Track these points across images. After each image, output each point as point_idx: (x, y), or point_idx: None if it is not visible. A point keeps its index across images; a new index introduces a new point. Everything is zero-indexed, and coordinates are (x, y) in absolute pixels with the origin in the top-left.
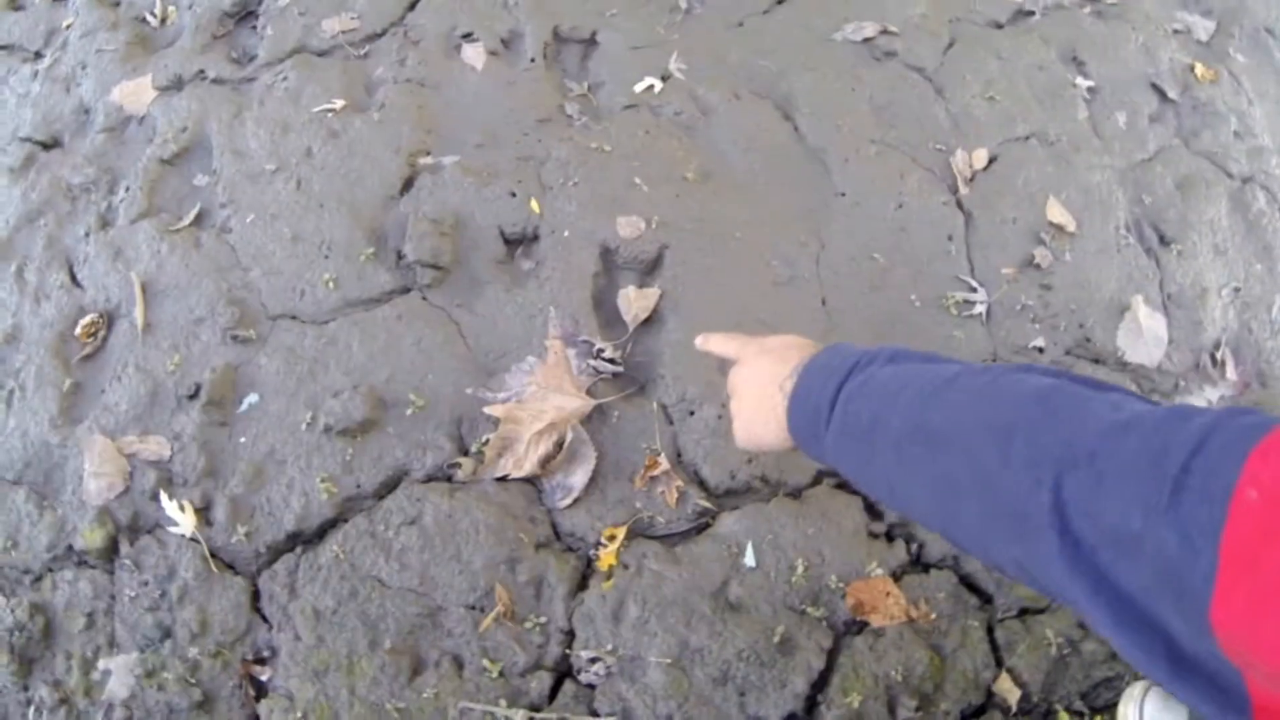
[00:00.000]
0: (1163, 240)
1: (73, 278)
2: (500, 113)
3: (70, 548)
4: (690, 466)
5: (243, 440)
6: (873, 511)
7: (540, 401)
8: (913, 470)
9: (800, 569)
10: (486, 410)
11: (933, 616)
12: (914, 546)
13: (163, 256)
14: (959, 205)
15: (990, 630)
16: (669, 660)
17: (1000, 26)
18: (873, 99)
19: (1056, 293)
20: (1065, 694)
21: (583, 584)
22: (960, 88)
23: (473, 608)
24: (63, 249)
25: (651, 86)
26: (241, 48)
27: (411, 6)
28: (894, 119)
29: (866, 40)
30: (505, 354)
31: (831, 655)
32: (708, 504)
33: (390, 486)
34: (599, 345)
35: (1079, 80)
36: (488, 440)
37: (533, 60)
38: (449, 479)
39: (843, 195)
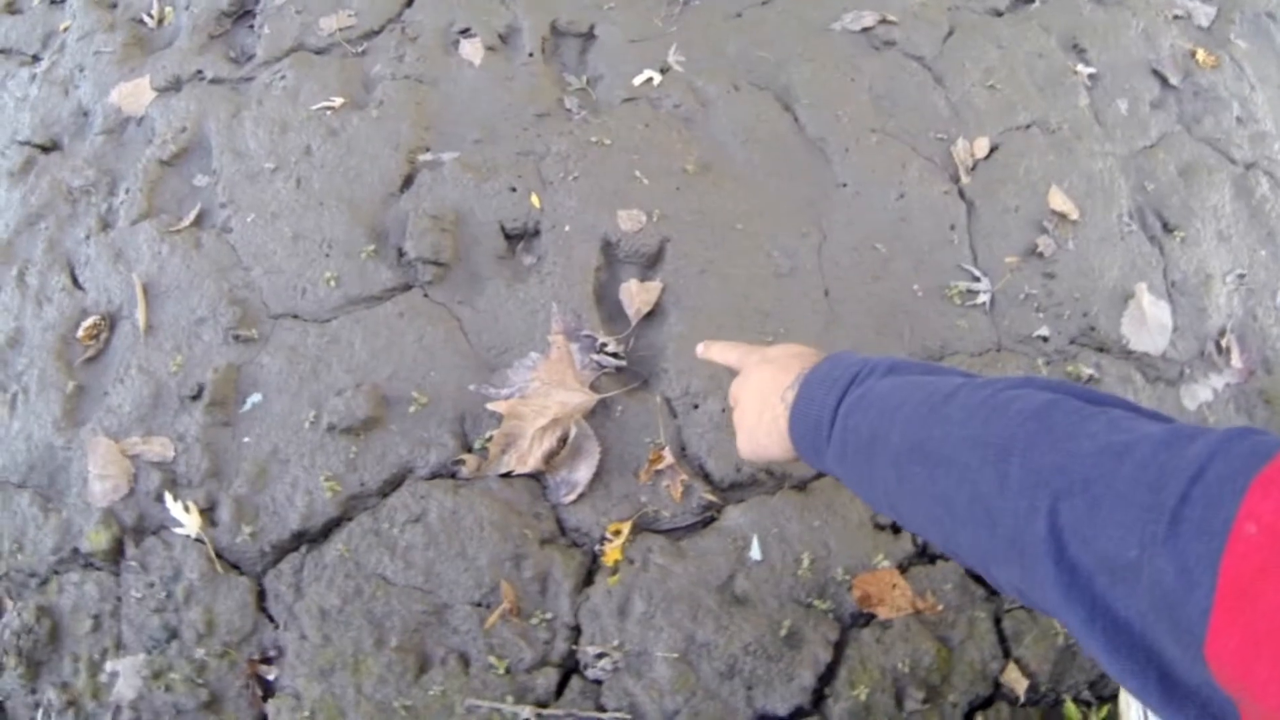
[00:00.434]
0: (1166, 227)
1: (74, 280)
2: (499, 108)
3: (76, 550)
4: (695, 460)
5: (246, 440)
6: None
7: (543, 397)
8: (912, 488)
9: (806, 562)
10: (490, 406)
11: (939, 608)
12: (920, 538)
13: (164, 257)
14: (961, 194)
15: (998, 621)
16: (675, 655)
17: (1000, 14)
18: (872, 88)
19: (1060, 281)
20: (1073, 684)
21: (588, 579)
22: (960, 76)
23: (478, 605)
24: (64, 251)
25: (650, 79)
26: (239, 47)
27: (409, 3)
28: (894, 108)
29: (865, 29)
30: (508, 350)
31: (838, 648)
32: (713, 497)
33: (394, 484)
34: (602, 340)
35: (1080, 67)
36: (491, 437)
37: (531, 55)
38: (453, 476)
39: (844, 185)
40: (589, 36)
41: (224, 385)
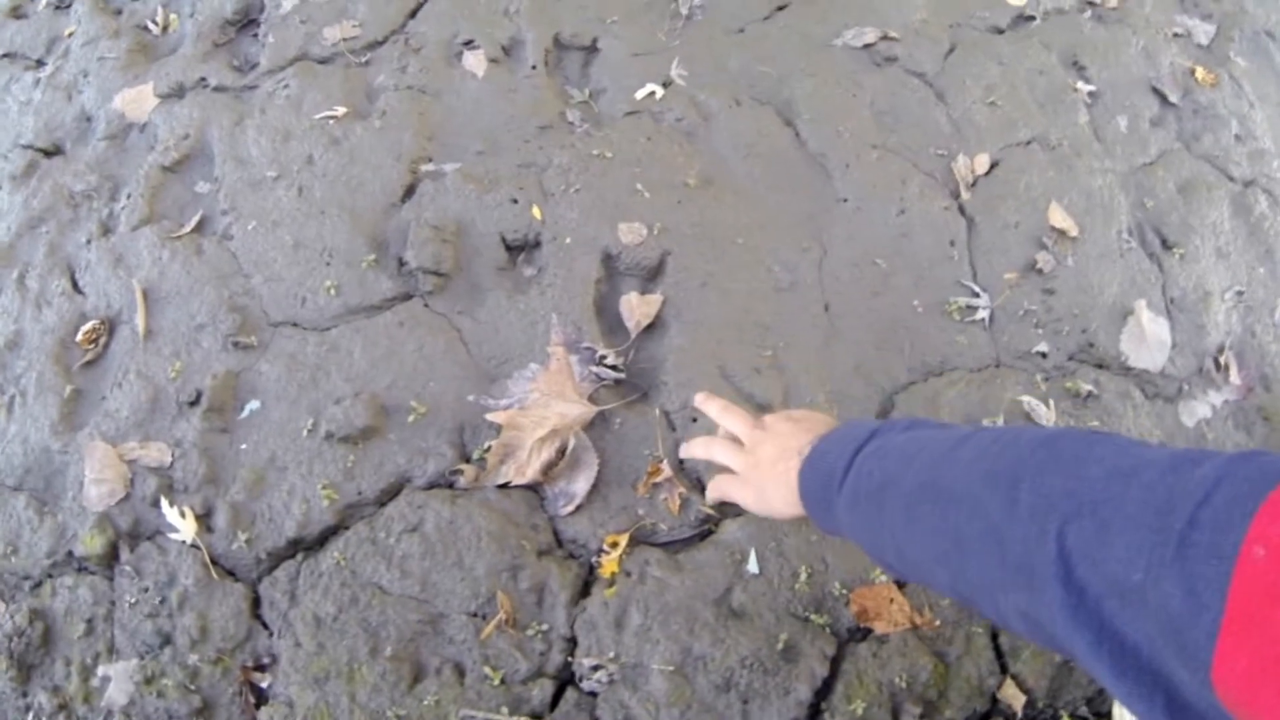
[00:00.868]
0: (1165, 244)
1: (74, 284)
2: (501, 120)
3: (70, 554)
4: (693, 473)
5: (244, 447)
6: None
7: (542, 408)
8: (921, 528)
9: (804, 576)
10: (488, 417)
11: (937, 623)
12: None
13: (164, 263)
14: (961, 210)
15: (994, 637)
16: (672, 668)
17: (1001, 32)
18: (874, 104)
19: (1059, 297)
20: (1070, 699)
21: (585, 591)
22: (961, 93)
23: (474, 615)
24: (64, 256)
25: (653, 93)
26: (243, 55)
27: (413, 14)
28: (895, 124)
29: (867, 46)
30: (507, 361)
31: (835, 662)
32: (710, 511)
33: (392, 493)
34: (601, 352)
35: (1080, 85)
36: (489, 447)
37: (534, 67)
38: (451, 486)
39: (844, 201)
40: (592, 50)
41: (222, 392)
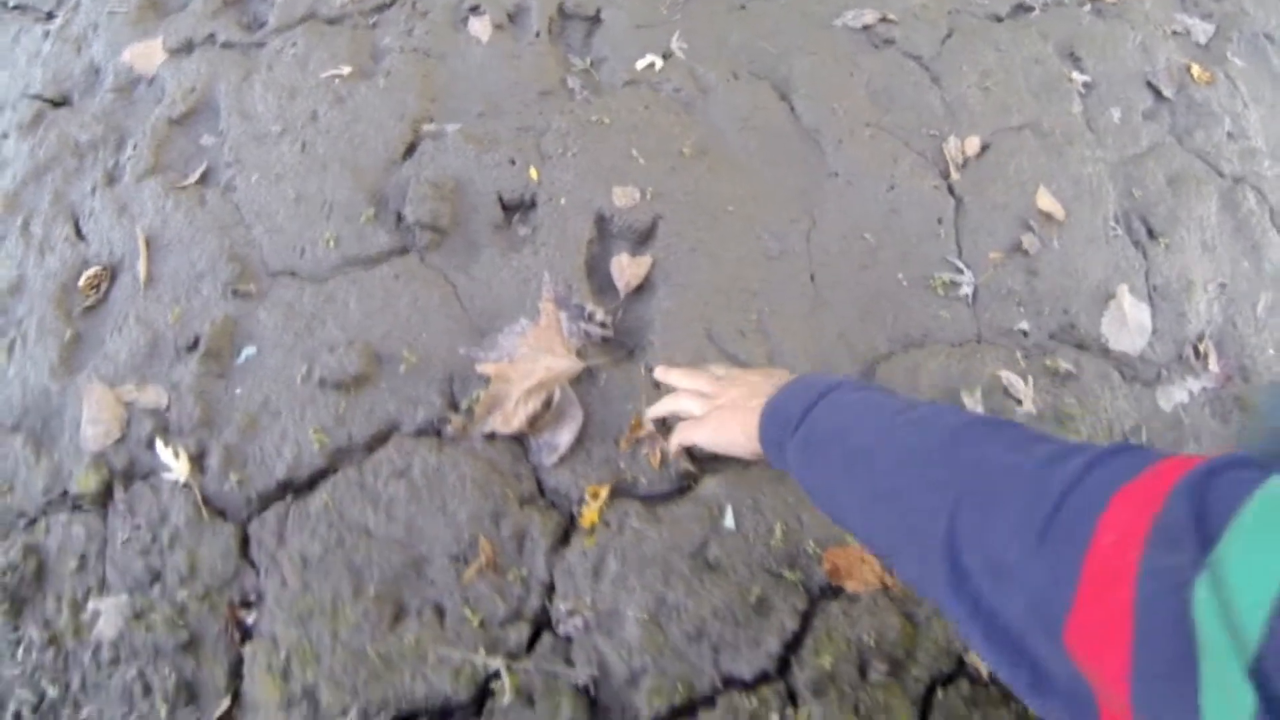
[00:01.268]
0: (1151, 233)
1: (78, 231)
2: (504, 84)
3: (65, 492)
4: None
5: (239, 391)
6: None
7: (530, 362)
8: (852, 483)
9: (779, 533)
10: (478, 368)
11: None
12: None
13: (167, 213)
14: (950, 190)
15: None
16: (646, 616)
17: (1000, 20)
18: (869, 84)
19: (1042, 278)
20: None
21: (565, 540)
22: (956, 77)
23: (456, 559)
24: (69, 204)
25: (652, 64)
26: (252, 14)
27: None
28: (889, 104)
29: (866, 27)
30: (499, 315)
31: (806, 617)
32: (690, 467)
33: (381, 439)
34: (590, 309)
35: (1075, 75)
36: (478, 397)
37: (538, 34)
38: (438, 434)
39: (835, 175)
40: (595, 20)
41: (220, 337)
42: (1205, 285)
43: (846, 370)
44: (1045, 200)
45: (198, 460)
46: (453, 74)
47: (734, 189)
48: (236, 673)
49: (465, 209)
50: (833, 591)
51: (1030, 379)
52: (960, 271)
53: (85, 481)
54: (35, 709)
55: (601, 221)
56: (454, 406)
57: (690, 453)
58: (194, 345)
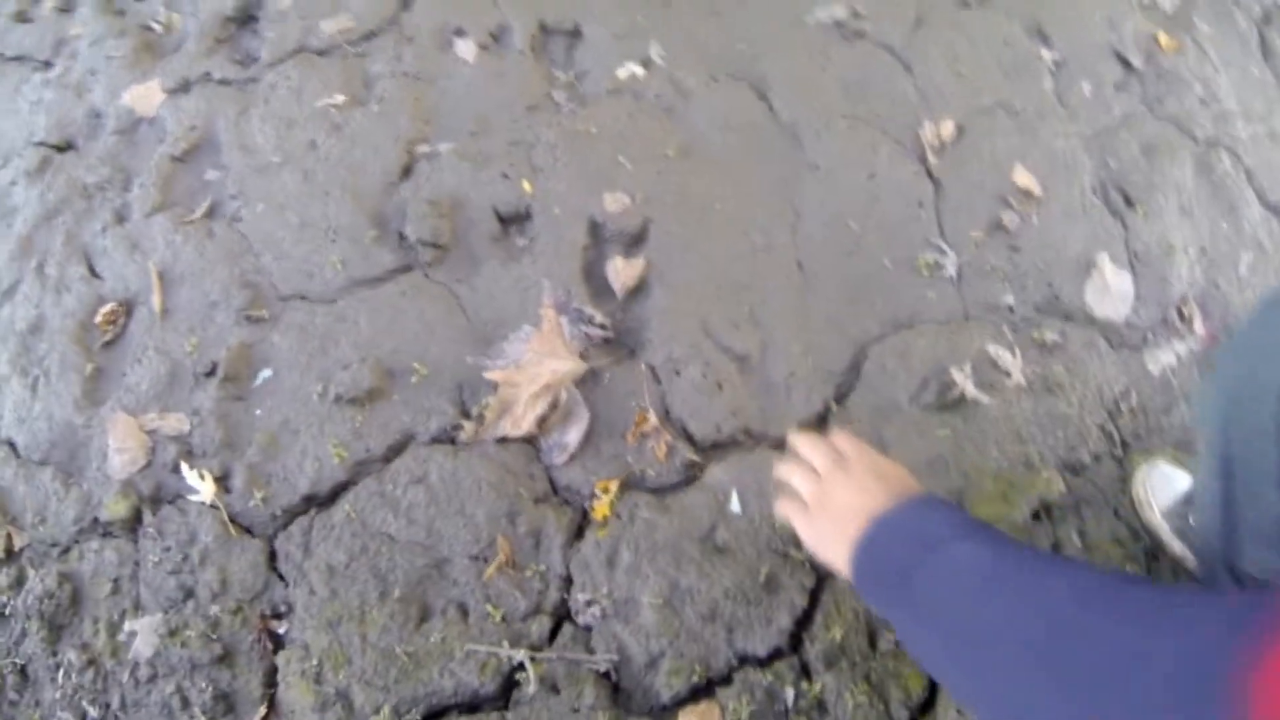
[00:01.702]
0: (1128, 202)
1: (91, 270)
2: (492, 101)
3: (96, 520)
4: (678, 422)
5: (258, 412)
6: None
7: (536, 366)
8: (973, 674)
9: None
10: (486, 375)
11: None
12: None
13: (177, 246)
14: (928, 174)
15: None
16: (660, 601)
17: (967, 5)
18: (843, 77)
19: (1024, 254)
20: None
21: (579, 534)
22: (927, 63)
23: (476, 558)
24: (81, 244)
25: (634, 73)
26: (244, 50)
27: (405, 5)
28: (864, 95)
29: (837, 22)
30: (503, 324)
31: (814, 594)
32: (695, 457)
33: (398, 449)
34: (590, 312)
35: (1044, 53)
36: (488, 403)
37: (521, 52)
38: (452, 441)
39: (816, 168)
40: (575, 34)
41: (237, 362)
42: (1185, 249)
43: (839, 353)
44: (1022, 177)
45: (222, 481)
46: (443, 95)
47: (719, 188)
48: (271, 681)
49: (464, 224)
50: None
51: (1018, 352)
52: (943, 252)
53: (115, 508)
54: None
55: (595, 228)
56: (466, 413)
57: (691, 439)
58: (212, 371)
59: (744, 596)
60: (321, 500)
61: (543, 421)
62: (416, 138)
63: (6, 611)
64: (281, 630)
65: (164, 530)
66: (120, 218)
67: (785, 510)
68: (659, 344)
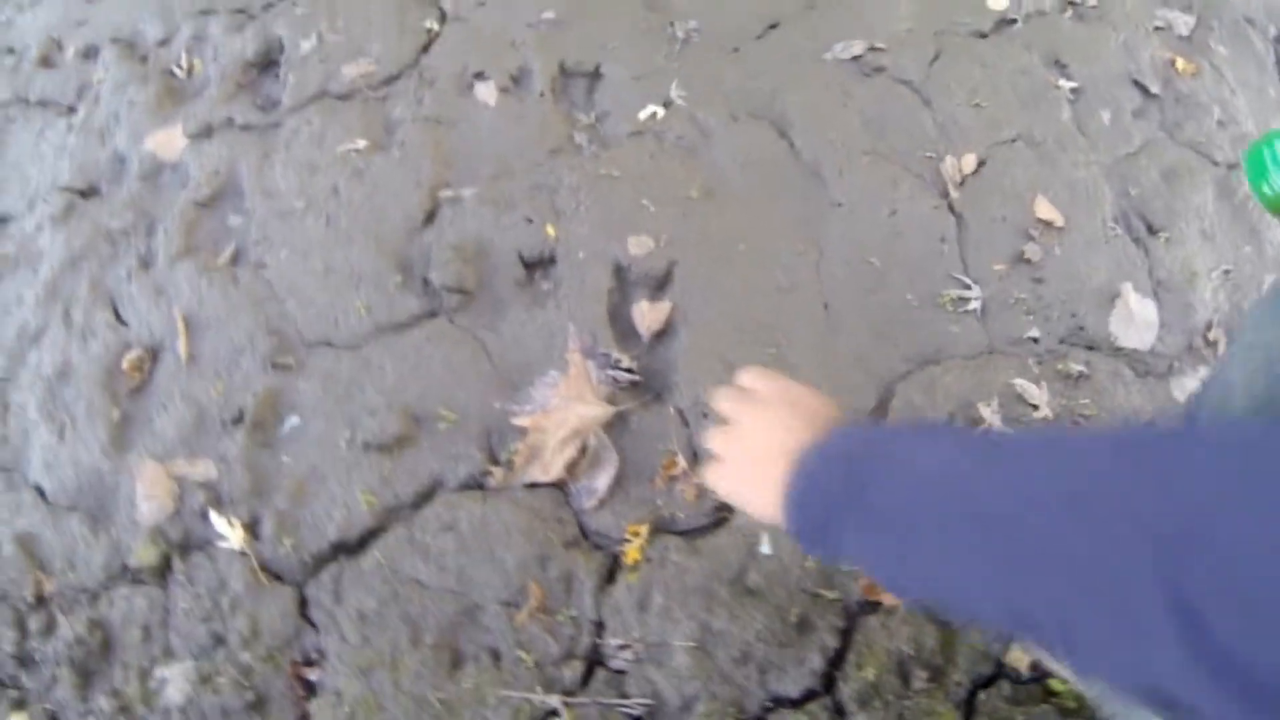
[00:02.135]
0: (1150, 229)
1: (117, 316)
2: (514, 145)
3: (125, 566)
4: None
5: (286, 459)
6: None
7: (564, 411)
8: (970, 564)
9: None
10: (514, 421)
11: None
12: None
13: (203, 292)
14: (950, 208)
15: None
16: (693, 644)
17: (984, 35)
18: (863, 112)
19: (1048, 285)
20: None
21: (610, 578)
22: (947, 97)
23: (507, 604)
24: (106, 290)
25: (654, 113)
26: (265, 95)
27: (425, 49)
28: (884, 130)
29: (855, 58)
30: (529, 369)
31: (846, 634)
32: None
33: (427, 496)
34: (616, 357)
35: (1062, 82)
36: (516, 449)
37: (542, 95)
38: (481, 487)
39: (839, 205)
40: (595, 75)
41: (264, 409)
42: (1209, 274)
43: (865, 392)
44: (1044, 208)
45: (251, 528)
46: (464, 139)
47: (742, 227)
48: None
49: (488, 269)
50: (870, 606)
51: (1044, 384)
52: (967, 287)
53: (144, 555)
54: None
55: (619, 271)
56: (494, 459)
57: None
58: (239, 418)
59: (776, 638)
60: (351, 547)
61: (572, 466)
62: (439, 182)
63: (37, 657)
64: (314, 677)
65: (194, 577)
66: (145, 263)
67: (704, 477)
68: (686, 386)
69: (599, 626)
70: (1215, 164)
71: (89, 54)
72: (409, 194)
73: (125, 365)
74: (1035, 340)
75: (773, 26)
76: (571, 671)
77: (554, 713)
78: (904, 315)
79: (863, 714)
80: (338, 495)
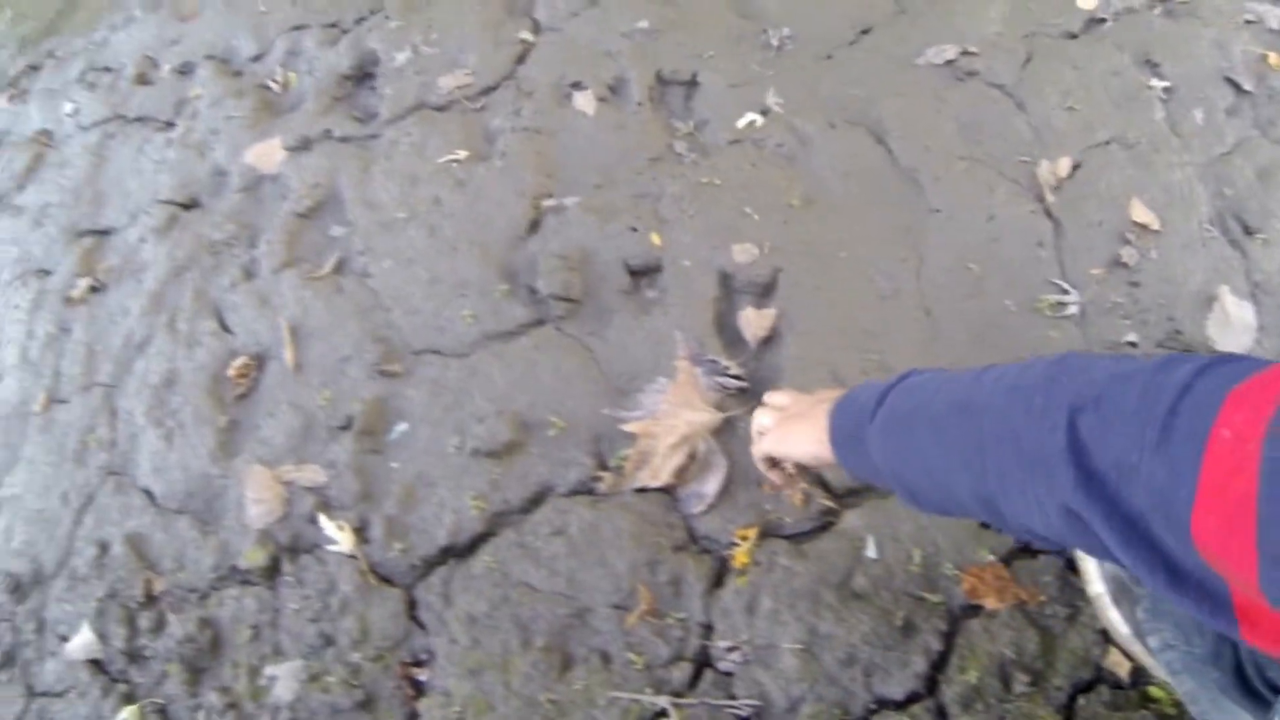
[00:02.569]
0: (1246, 230)
1: (222, 325)
2: (614, 154)
3: (234, 568)
4: (814, 470)
5: (394, 465)
6: None
7: (672, 417)
8: (948, 439)
9: (917, 558)
10: (624, 428)
11: (1042, 598)
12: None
13: (307, 302)
14: (1047, 213)
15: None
16: (800, 646)
17: (1074, 36)
18: (958, 118)
19: (1145, 289)
20: None
21: (718, 581)
22: (1040, 100)
23: (617, 607)
24: (210, 300)
25: (752, 121)
26: (363, 107)
27: (520, 60)
28: (979, 135)
29: (948, 62)
30: (637, 376)
31: (949, 637)
32: (831, 504)
33: (536, 501)
34: (724, 363)
35: (1154, 81)
36: (626, 455)
37: (639, 103)
38: (591, 492)
39: (937, 211)
40: (692, 83)
41: (371, 416)
42: None
43: None
44: (1139, 211)
45: (360, 532)
46: (565, 149)
47: (843, 234)
48: None
49: (594, 278)
50: (972, 610)
51: None
52: (1065, 291)
53: (253, 556)
54: None
55: (725, 279)
56: (604, 465)
57: (827, 487)
58: (347, 425)
59: (881, 641)
60: (460, 551)
61: (681, 472)
62: (541, 192)
63: (147, 654)
64: (423, 678)
65: (303, 578)
66: (248, 274)
67: (756, 446)
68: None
69: (707, 629)
70: None
71: (184, 71)
72: (512, 203)
73: (231, 372)
74: (1133, 345)
75: (865, 32)
76: (680, 673)
77: (663, 713)
78: (1003, 321)
79: (965, 716)
80: (447, 500)
